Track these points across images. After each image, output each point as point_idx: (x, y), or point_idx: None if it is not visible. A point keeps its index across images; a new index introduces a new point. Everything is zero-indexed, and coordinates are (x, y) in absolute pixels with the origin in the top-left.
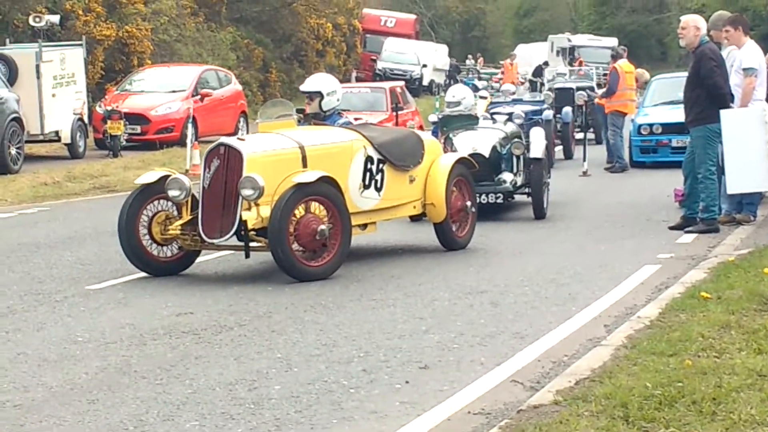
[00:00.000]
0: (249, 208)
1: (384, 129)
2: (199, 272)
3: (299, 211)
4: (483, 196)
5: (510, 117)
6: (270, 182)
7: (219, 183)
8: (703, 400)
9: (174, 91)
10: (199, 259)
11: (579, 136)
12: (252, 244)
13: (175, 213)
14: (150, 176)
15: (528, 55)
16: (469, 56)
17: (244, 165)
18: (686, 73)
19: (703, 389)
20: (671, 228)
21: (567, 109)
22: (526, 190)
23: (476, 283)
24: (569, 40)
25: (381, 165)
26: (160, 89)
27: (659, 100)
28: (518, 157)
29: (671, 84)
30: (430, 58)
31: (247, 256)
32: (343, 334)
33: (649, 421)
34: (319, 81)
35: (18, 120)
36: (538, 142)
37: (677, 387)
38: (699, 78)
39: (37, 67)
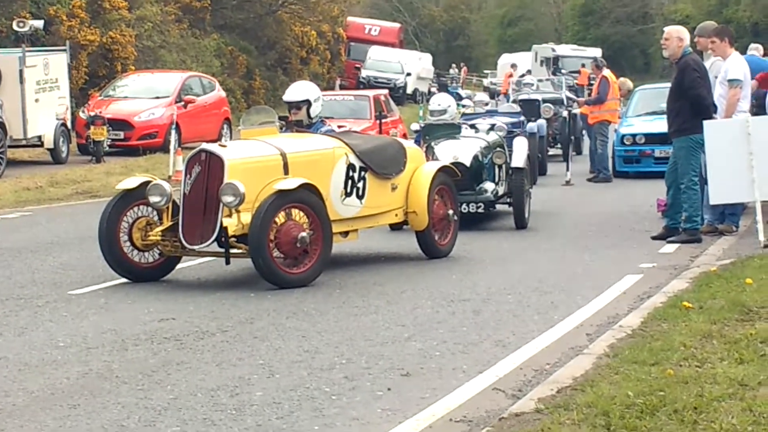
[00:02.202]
0: (230, 215)
1: (366, 137)
2: (181, 278)
3: (280, 218)
4: (464, 206)
5: (492, 127)
6: (251, 189)
7: (200, 189)
8: (685, 410)
9: (158, 98)
10: (181, 265)
11: (552, 151)
12: (232, 250)
13: (156, 219)
14: (131, 182)
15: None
16: (453, 65)
17: (225, 171)
18: (669, 84)
19: (684, 398)
20: (654, 238)
21: (541, 122)
22: (508, 199)
23: (459, 291)
24: (553, 50)
25: (363, 173)
26: (143, 95)
27: (642, 111)
28: (500, 167)
29: (654, 94)
30: (414, 66)
31: (228, 262)
32: (325, 340)
33: (631, 430)
34: (305, 89)
35: (1, 125)
36: (519, 152)
37: (659, 396)
38: (682, 89)
39: (21, 72)
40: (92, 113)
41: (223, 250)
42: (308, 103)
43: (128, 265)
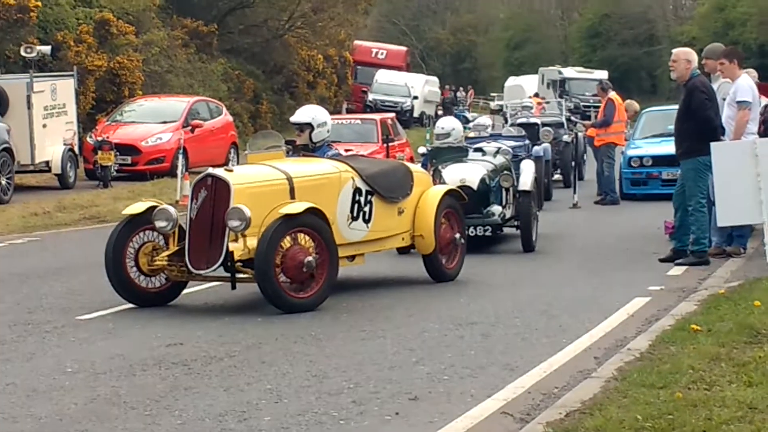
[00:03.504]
0: (236, 239)
1: (373, 161)
2: (188, 303)
3: (286, 243)
4: (471, 229)
5: (498, 150)
6: (257, 213)
7: (206, 214)
8: None
9: (165, 122)
10: (188, 290)
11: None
12: (238, 275)
13: (163, 244)
14: (137, 207)
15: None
16: (460, 88)
17: (231, 196)
18: (677, 106)
19: (693, 422)
20: (661, 260)
21: (546, 146)
22: (515, 222)
23: (467, 314)
24: (560, 73)
25: (369, 196)
26: (151, 120)
27: (649, 133)
28: (507, 190)
29: (662, 117)
30: (420, 90)
31: (234, 287)
32: (333, 365)
33: None
34: (309, 112)
35: (8, 150)
36: (527, 175)
37: (668, 419)
38: (690, 111)
39: (28, 97)
40: (100, 138)
41: (229, 274)
42: (310, 126)
43: (134, 290)
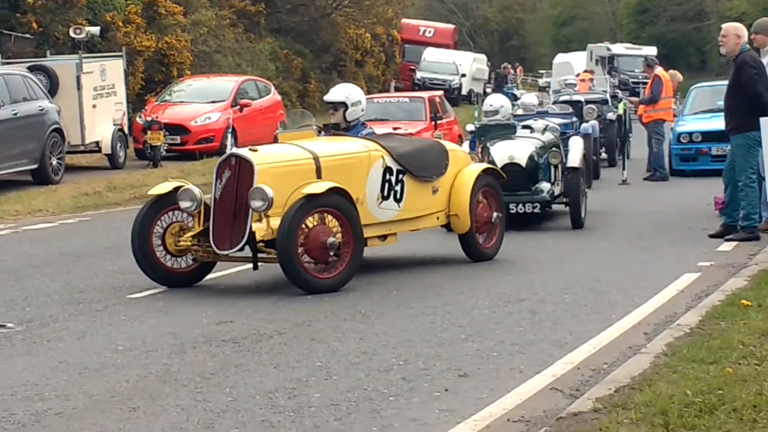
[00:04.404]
0: (260, 219)
1: (407, 139)
2: (238, 281)
3: (311, 222)
4: (520, 206)
5: (547, 127)
6: (281, 193)
7: (230, 194)
8: (744, 408)
9: (213, 102)
10: (237, 268)
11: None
12: (262, 255)
13: (190, 224)
14: (163, 187)
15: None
16: (508, 65)
17: (255, 176)
18: (726, 81)
19: (743, 397)
20: (711, 236)
21: (594, 123)
22: (564, 199)
23: (515, 291)
24: (608, 49)
25: (401, 176)
26: (199, 100)
27: (699, 109)
28: (556, 167)
29: (711, 92)
30: (468, 67)
31: (255, 267)
32: (383, 342)
33: (689, 429)
34: (343, 91)
35: (59, 131)
36: (575, 152)
37: (717, 395)
38: (739, 86)
39: (78, 78)
40: (149, 118)
41: (262, 255)
42: (344, 105)
43: (161, 271)
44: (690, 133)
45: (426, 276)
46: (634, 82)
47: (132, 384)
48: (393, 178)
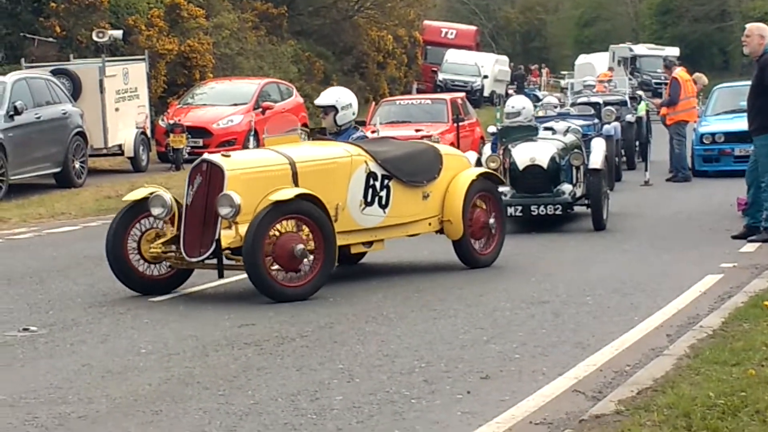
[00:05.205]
0: (229, 227)
1: (398, 144)
2: None
3: (283, 228)
4: (542, 208)
5: (569, 129)
6: (252, 200)
7: (201, 200)
8: (767, 410)
9: (236, 104)
10: None
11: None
12: (228, 262)
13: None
14: (138, 193)
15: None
16: (531, 66)
17: (225, 182)
18: (749, 82)
19: (766, 399)
20: (734, 237)
21: (615, 124)
22: (586, 201)
23: (537, 293)
24: (631, 50)
25: (386, 181)
26: (222, 102)
27: (721, 109)
28: (577, 168)
29: (734, 92)
30: (490, 69)
31: (221, 275)
32: (405, 344)
33: (712, 431)
34: (333, 95)
35: (82, 134)
36: (597, 153)
37: (740, 396)
38: (763, 86)
39: (101, 81)
40: (171, 121)
41: (227, 262)
42: (335, 109)
43: (135, 278)
44: (713, 134)
45: (447, 278)
46: (656, 83)
47: (154, 387)
48: (378, 184)
